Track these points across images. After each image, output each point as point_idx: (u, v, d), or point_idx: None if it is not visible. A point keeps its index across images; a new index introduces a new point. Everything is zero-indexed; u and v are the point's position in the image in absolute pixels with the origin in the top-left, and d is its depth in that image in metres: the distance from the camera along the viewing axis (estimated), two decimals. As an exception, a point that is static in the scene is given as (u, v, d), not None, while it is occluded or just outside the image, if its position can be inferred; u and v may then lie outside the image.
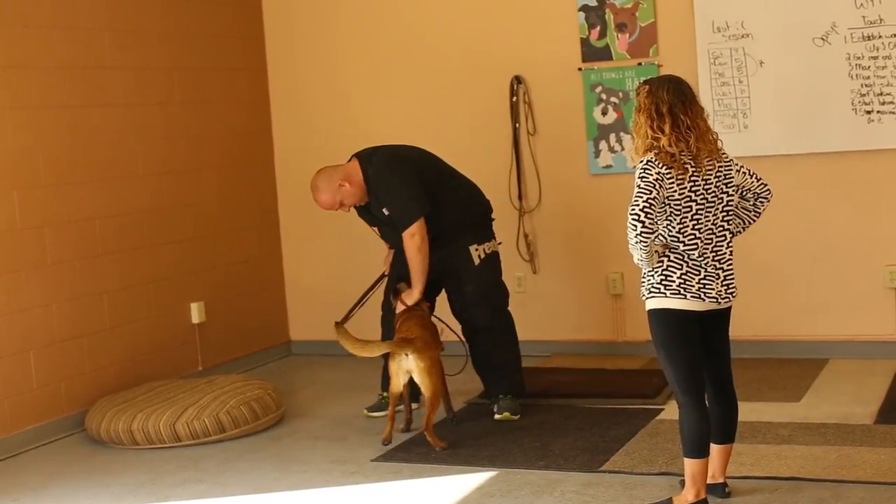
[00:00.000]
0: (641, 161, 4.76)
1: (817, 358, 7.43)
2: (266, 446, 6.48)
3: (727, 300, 4.87)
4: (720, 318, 4.93)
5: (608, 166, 7.84)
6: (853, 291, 7.44)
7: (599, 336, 8.02)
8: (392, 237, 6.76)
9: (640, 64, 7.70)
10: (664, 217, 4.76)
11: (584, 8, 7.80)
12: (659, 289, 4.81)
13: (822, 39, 7.28)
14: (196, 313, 7.92)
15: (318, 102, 8.58)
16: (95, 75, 7.23)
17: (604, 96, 7.80)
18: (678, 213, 4.75)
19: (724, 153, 4.88)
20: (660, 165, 4.71)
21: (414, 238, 6.46)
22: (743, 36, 7.45)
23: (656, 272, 4.82)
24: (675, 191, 4.72)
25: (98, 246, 7.18)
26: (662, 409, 6.48)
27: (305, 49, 8.60)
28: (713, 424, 4.94)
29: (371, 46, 8.41)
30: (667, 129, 4.73)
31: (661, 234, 4.79)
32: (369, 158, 6.70)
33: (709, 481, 4.99)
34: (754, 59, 7.44)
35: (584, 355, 7.89)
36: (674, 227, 4.76)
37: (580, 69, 7.86)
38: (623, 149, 7.73)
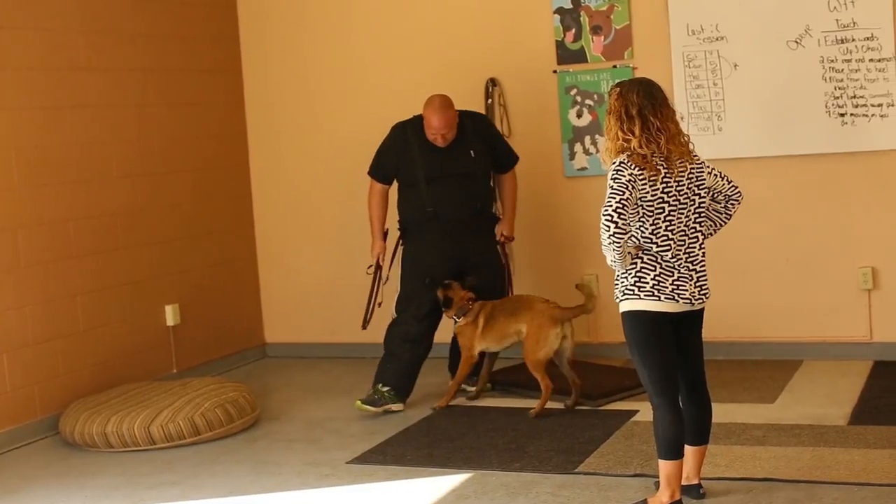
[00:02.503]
0: (614, 163, 4.78)
1: (791, 359, 7.46)
2: (241, 449, 6.47)
3: (700, 301, 4.89)
4: (693, 319, 4.95)
5: (583, 168, 7.86)
6: (827, 293, 7.48)
7: (574, 338, 8.00)
8: (451, 193, 6.96)
9: (615, 66, 7.71)
10: (637, 218, 4.77)
11: (560, 10, 7.81)
12: (633, 290, 4.83)
13: (796, 42, 7.32)
14: (171, 315, 7.89)
15: (294, 104, 8.56)
16: (69, 77, 7.20)
17: (579, 99, 7.82)
18: (651, 214, 4.76)
19: (695, 155, 4.90)
20: (632, 167, 4.73)
21: (516, 175, 7.32)
22: (717, 39, 7.48)
23: (630, 274, 4.83)
24: (648, 192, 4.74)
25: (72, 248, 7.15)
26: (637, 411, 6.49)
27: (280, 51, 8.58)
28: (687, 426, 4.95)
29: (346, 49, 8.41)
30: (637, 131, 4.75)
31: (634, 236, 4.80)
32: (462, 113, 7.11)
33: (683, 483, 5.00)
34: (729, 61, 7.47)
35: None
36: (647, 229, 4.78)
37: (555, 72, 7.87)
38: (598, 151, 7.74)
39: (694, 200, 4.85)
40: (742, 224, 5.77)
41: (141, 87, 7.74)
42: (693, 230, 4.87)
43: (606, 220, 4.67)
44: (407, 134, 7.05)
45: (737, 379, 7.08)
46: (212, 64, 8.43)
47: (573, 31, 7.79)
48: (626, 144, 4.77)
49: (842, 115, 7.27)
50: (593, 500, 5.25)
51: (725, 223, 5.06)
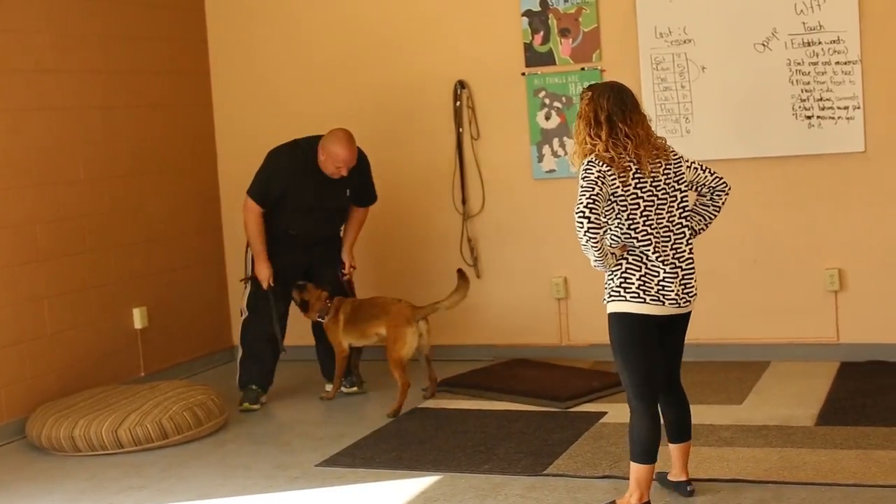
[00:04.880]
0: (583, 163, 4.79)
1: (759, 360, 7.50)
2: (209, 452, 6.44)
3: (686, 302, 4.87)
4: (680, 322, 4.96)
5: (551, 171, 7.87)
6: (794, 294, 7.51)
7: (543, 340, 8.02)
8: (319, 223, 7.24)
9: (583, 69, 7.73)
10: (613, 215, 4.77)
11: (528, 13, 7.82)
12: (619, 292, 4.82)
13: (763, 45, 7.35)
14: (138, 318, 7.86)
15: (262, 106, 8.54)
16: (35, 78, 7.16)
17: (547, 101, 7.83)
18: (625, 209, 4.76)
19: (672, 151, 4.90)
20: (600, 164, 4.74)
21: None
22: (685, 41, 7.50)
23: (616, 275, 4.83)
24: (619, 187, 4.74)
25: (38, 251, 7.11)
26: (606, 413, 6.50)
27: (248, 53, 8.56)
28: (668, 425, 4.98)
29: (315, 50, 8.39)
30: (603, 136, 4.77)
31: (614, 235, 4.80)
32: None
33: (672, 479, 5.09)
34: (696, 64, 7.50)
35: (528, 359, 7.89)
36: (623, 224, 4.77)
37: (524, 74, 7.88)
38: (566, 153, 7.76)
39: (675, 196, 4.85)
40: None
41: (108, 89, 7.70)
42: (679, 226, 4.86)
43: (579, 216, 4.66)
44: (307, 161, 7.07)
45: (704, 380, 7.10)
46: (180, 65, 8.40)
47: (541, 33, 7.81)
48: (592, 148, 4.79)
49: (808, 117, 7.31)
50: (562, 501, 5.25)
51: (715, 216, 5.04)
